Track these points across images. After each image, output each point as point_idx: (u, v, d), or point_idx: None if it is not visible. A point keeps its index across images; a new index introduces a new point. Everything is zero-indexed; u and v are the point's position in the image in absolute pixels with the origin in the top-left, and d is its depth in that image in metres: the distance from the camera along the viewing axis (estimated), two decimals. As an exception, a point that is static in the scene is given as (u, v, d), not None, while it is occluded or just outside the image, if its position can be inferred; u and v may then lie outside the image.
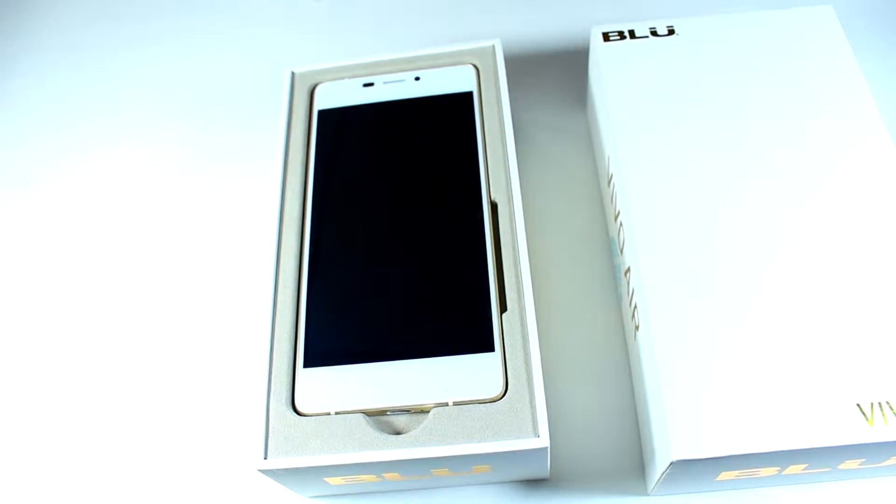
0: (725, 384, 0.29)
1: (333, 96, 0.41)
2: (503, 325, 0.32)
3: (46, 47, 0.56)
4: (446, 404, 0.30)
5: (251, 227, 0.45)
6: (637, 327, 0.33)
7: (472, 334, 0.32)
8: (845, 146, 0.34)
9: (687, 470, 0.29)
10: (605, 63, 0.38)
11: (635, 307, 0.33)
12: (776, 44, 0.38)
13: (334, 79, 0.41)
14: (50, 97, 0.53)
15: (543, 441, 0.29)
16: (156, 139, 0.49)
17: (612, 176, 0.37)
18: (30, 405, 0.40)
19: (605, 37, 0.39)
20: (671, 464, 0.28)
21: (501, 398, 0.30)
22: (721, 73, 0.37)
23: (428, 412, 0.30)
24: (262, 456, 0.30)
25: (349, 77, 0.41)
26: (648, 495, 0.34)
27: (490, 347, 0.31)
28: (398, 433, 0.30)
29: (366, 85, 0.41)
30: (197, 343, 0.41)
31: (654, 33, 0.39)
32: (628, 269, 0.34)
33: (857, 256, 0.31)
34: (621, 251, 0.36)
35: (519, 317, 0.32)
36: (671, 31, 0.39)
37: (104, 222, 0.46)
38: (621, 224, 0.35)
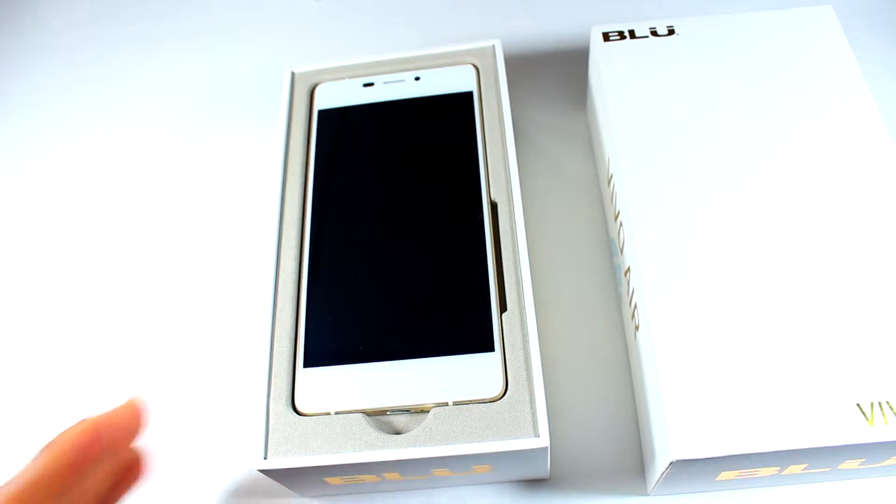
0: (725, 384, 0.29)
1: (333, 96, 0.40)
2: (503, 324, 0.32)
3: (46, 47, 0.56)
4: (446, 404, 0.30)
5: (251, 227, 0.45)
6: (637, 327, 0.33)
7: (472, 334, 0.32)
8: (845, 146, 0.34)
9: (687, 470, 0.29)
10: (605, 63, 0.38)
11: (635, 307, 0.33)
12: (776, 44, 0.38)
13: (334, 79, 0.41)
14: (50, 97, 0.53)
15: (543, 441, 0.29)
16: (155, 139, 0.49)
17: (611, 176, 0.37)
18: (27, 402, 0.40)
19: (605, 37, 0.39)
20: (671, 464, 0.28)
21: (501, 398, 0.30)
22: (721, 73, 0.37)
23: (428, 412, 0.30)
24: (262, 456, 0.30)
25: (349, 77, 0.41)
26: (648, 495, 0.34)
27: (490, 347, 0.31)
28: (398, 433, 0.30)
29: (366, 85, 0.41)
30: (196, 343, 0.41)
31: (654, 33, 0.39)
32: (628, 269, 0.34)
33: (857, 256, 0.31)
34: (621, 251, 0.36)
35: (519, 316, 0.32)
36: (671, 31, 0.39)
37: (104, 223, 0.46)
38: (621, 224, 0.35)
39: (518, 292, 0.33)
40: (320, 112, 0.40)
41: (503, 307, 0.32)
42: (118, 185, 0.48)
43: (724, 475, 0.30)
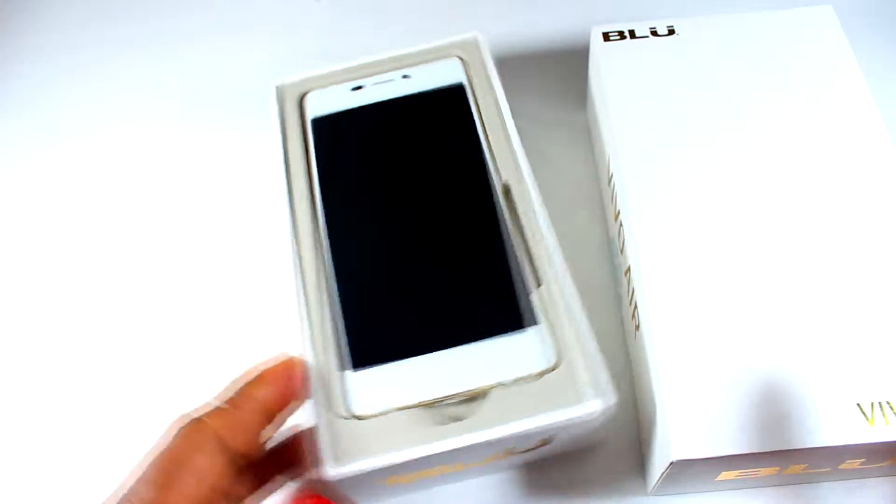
0: (725, 384, 0.29)
1: (324, 103, 0.40)
2: (542, 298, 0.32)
3: (46, 47, 0.55)
4: (503, 383, 0.30)
5: (258, 231, 0.44)
6: (637, 327, 0.33)
7: (513, 312, 0.32)
8: (845, 146, 0.34)
9: (687, 470, 0.29)
10: (605, 63, 0.38)
11: (635, 307, 0.33)
12: (776, 44, 0.38)
13: (321, 86, 0.41)
14: (49, 97, 0.53)
15: (607, 401, 0.29)
16: (155, 140, 0.49)
17: (612, 176, 0.37)
18: (24, 410, 0.40)
19: (606, 37, 0.39)
20: (671, 464, 0.28)
21: (555, 368, 0.30)
22: (721, 73, 0.37)
23: (486, 395, 0.30)
24: (328, 465, 0.29)
25: (336, 83, 0.40)
26: (648, 495, 0.34)
27: (533, 321, 0.31)
28: (460, 420, 0.30)
29: (355, 88, 0.40)
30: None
31: (654, 33, 0.39)
32: (628, 269, 0.34)
33: (857, 256, 0.31)
34: (621, 251, 0.36)
35: (556, 287, 0.32)
36: (671, 31, 0.39)
37: (104, 223, 0.46)
38: (621, 224, 0.35)
39: (550, 264, 0.33)
40: (314, 121, 0.39)
41: (538, 281, 0.32)
42: (118, 185, 0.48)
43: (725, 475, 0.30)
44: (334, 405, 0.31)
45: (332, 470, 0.29)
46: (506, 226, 0.34)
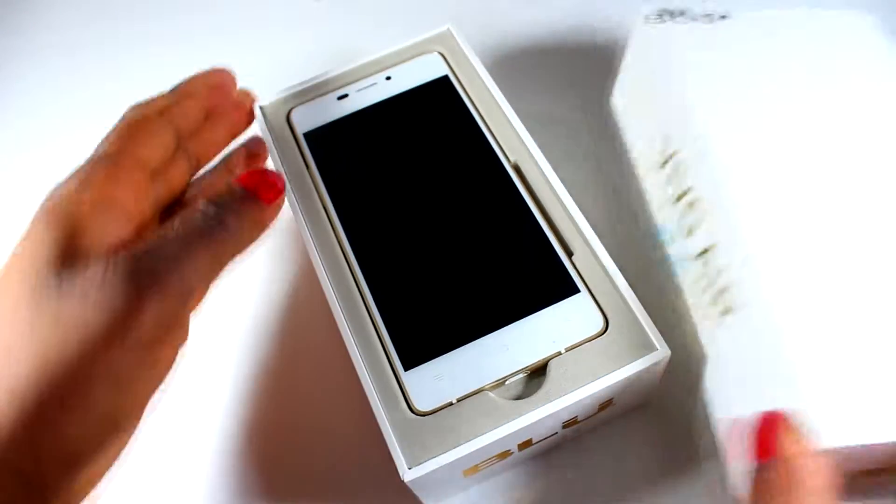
0: (865, 365, 0.27)
1: (312, 117, 0.40)
2: (577, 266, 0.33)
3: (46, 47, 0.55)
4: (559, 353, 0.30)
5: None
6: (728, 310, 0.32)
7: (554, 283, 0.33)
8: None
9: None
10: (662, 45, 0.37)
11: (719, 291, 0.32)
12: (831, 41, 0.36)
13: (305, 100, 0.40)
14: (49, 97, 0.52)
15: (665, 351, 0.30)
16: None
17: (671, 156, 0.36)
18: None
19: (656, 17, 0.38)
20: None
21: (606, 330, 0.31)
22: (782, 65, 0.35)
23: (545, 367, 0.30)
24: (407, 467, 0.29)
25: (319, 95, 0.40)
26: None
27: (575, 289, 0.32)
28: (523, 398, 0.30)
29: (340, 98, 0.40)
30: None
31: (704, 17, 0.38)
32: (706, 250, 0.33)
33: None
34: (689, 233, 0.35)
35: (590, 254, 0.33)
36: (723, 18, 0.38)
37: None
38: (691, 203, 0.34)
39: (578, 233, 0.33)
40: (307, 135, 0.39)
41: (569, 251, 0.33)
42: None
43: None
44: (397, 408, 0.30)
45: (410, 473, 0.28)
46: (526, 204, 0.35)
